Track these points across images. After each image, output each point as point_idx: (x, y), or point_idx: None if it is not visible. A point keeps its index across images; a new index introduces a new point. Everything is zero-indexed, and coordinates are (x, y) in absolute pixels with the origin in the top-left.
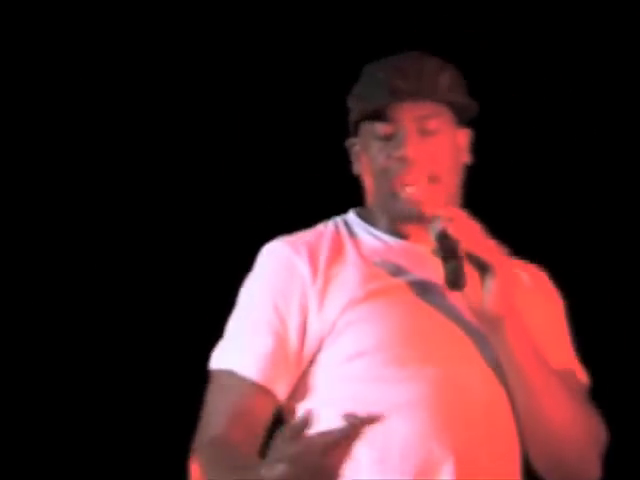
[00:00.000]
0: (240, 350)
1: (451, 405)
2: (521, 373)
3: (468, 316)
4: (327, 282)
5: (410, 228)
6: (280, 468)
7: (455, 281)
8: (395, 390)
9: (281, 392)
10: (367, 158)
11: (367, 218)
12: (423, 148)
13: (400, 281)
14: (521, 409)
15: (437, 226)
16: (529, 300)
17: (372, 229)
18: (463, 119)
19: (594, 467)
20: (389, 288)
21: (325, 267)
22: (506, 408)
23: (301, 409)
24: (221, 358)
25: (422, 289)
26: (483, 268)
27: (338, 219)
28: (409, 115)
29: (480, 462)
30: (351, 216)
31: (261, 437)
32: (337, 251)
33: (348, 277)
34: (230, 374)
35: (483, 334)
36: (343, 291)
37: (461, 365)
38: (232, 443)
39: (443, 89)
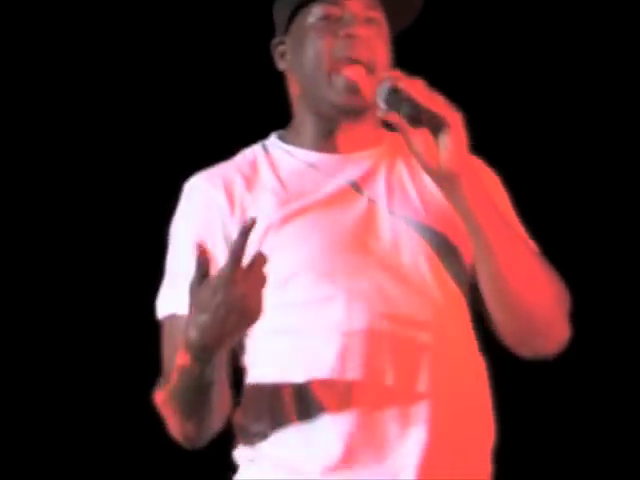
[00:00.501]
0: (175, 293)
1: (380, 318)
2: (481, 230)
3: (392, 221)
4: (244, 212)
5: (339, 136)
6: (202, 319)
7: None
8: (326, 311)
9: None
10: (300, 50)
11: (289, 139)
12: (368, 33)
13: (319, 198)
14: (484, 274)
15: (386, 84)
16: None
17: (294, 149)
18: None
19: (563, 327)
20: (307, 207)
21: (240, 196)
22: (439, 312)
23: (244, 341)
24: (162, 306)
25: (344, 201)
26: (436, 127)
27: (257, 145)
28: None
29: (417, 369)
30: (271, 139)
31: None
32: (252, 179)
33: (264, 204)
34: (172, 318)
35: (410, 234)
36: (260, 219)
37: (389, 275)
38: None
39: None
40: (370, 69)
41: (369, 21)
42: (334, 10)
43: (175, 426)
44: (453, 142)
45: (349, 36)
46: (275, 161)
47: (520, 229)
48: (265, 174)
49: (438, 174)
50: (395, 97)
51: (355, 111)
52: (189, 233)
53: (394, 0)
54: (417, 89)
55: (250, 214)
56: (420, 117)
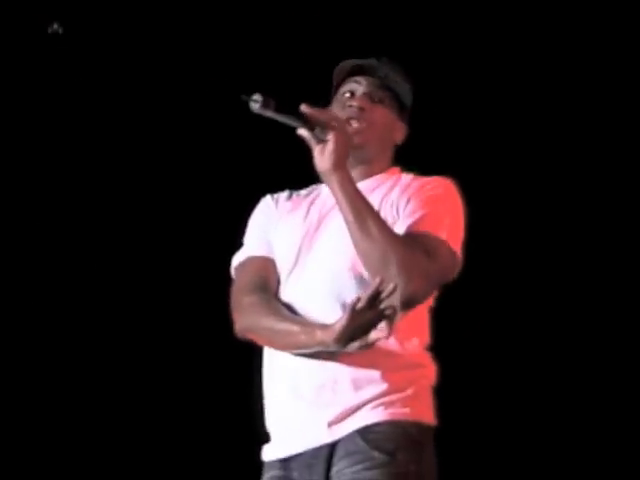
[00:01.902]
0: (244, 251)
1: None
2: (345, 213)
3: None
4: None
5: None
6: (337, 327)
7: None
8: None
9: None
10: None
11: None
12: (363, 104)
13: (303, 213)
14: (352, 239)
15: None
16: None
17: None
18: (403, 116)
19: (411, 284)
20: (292, 219)
21: (281, 207)
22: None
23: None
24: (235, 260)
25: (315, 217)
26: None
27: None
28: (364, 83)
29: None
30: None
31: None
32: (296, 199)
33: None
34: (237, 267)
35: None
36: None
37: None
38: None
39: (391, 77)
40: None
41: (372, 100)
42: (354, 87)
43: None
44: (333, 146)
45: (350, 106)
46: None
47: (420, 219)
48: (305, 200)
49: (321, 172)
50: (287, 109)
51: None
52: (254, 225)
53: (396, 86)
54: (315, 114)
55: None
56: (311, 124)
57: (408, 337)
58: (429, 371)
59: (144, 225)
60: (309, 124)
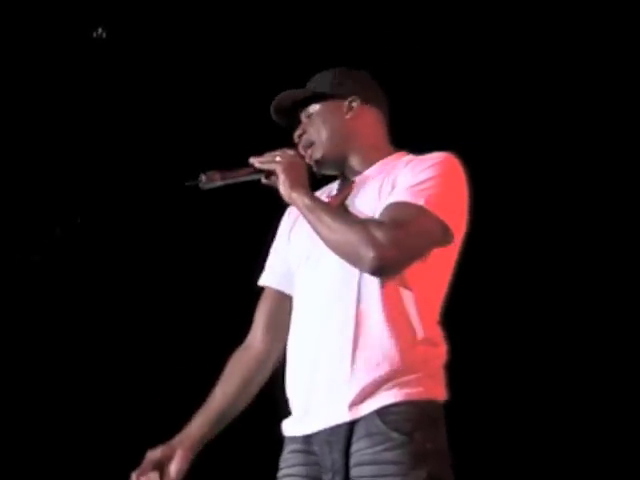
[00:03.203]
0: (265, 269)
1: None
2: (308, 221)
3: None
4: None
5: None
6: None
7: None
8: None
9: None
10: None
11: None
12: (306, 127)
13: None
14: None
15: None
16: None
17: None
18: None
19: (366, 254)
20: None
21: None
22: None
23: None
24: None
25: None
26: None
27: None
28: (300, 110)
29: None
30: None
31: (284, 324)
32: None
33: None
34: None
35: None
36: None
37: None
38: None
39: (310, 87)
40: (308, 146)
41: (307, 117)
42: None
43: None
44: (281, 178)
45: (298, 143)
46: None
47: (404, 191)
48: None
49: (286, 199)
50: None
51: (318, 173)
52: (273, 244)
53: (313, 87)
54: (260, 160)
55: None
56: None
57: (421, 313)
58: (441, 350)
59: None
60: (264, 171)
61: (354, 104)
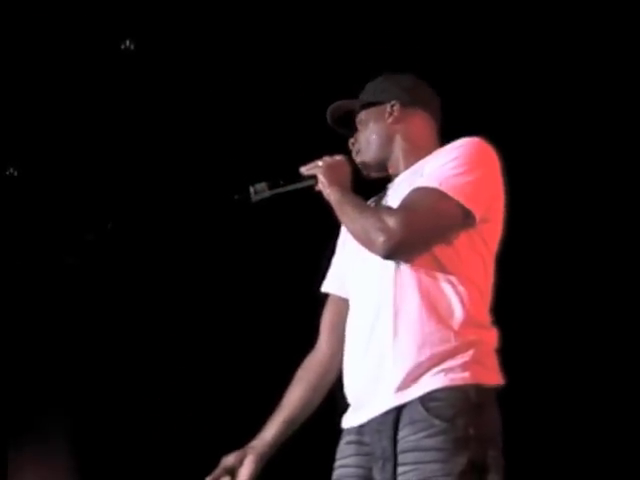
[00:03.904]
0: (328, 276)
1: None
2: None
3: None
4: None
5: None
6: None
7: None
8: None
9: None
10: None
11: None
12: (357, 135)
13: None
14: None
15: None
16: (424, 165)
17: None
18: (383, 101)
19: (377, 239)
20: None
21: None
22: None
23: None
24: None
25: None
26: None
27: None
28: (356, 117)
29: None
30: None
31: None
32: None
33: None
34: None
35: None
36: None
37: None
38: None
39: (361, 97)
40: (357, 152)
41: (359, 124)
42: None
43: None
44: (323, 182)
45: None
46: None
47: (432, 178)
48: None
49: (328, 200)
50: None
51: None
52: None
53: (365, 97)
54: (306, 168)
55: None
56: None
57: (463, 297)
58: (490, 334)
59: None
60: (313, 178)
61: (395, 108)
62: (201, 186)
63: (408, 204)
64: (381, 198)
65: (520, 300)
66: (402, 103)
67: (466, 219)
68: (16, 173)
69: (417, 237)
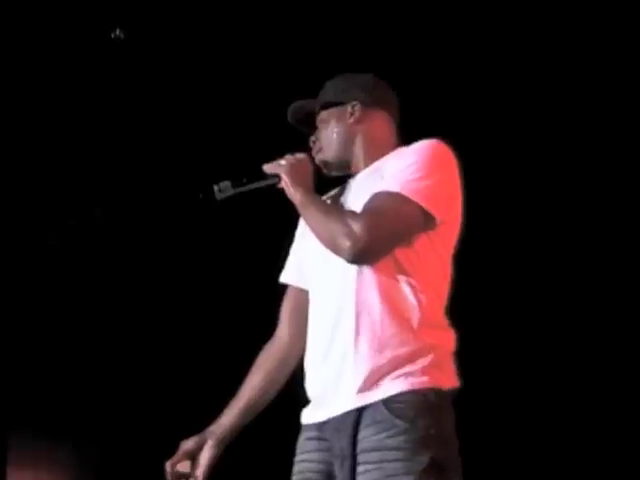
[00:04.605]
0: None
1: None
2: (301, 213)
3: None
4: None
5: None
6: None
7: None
8: None
9: (297, 281)
10: None
11: None
12: (318, 134)
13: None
14: None
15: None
16: (384, 165)
17: None
18: (343, 100)
19: (342, 244)
20: None
21: None
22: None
23: None
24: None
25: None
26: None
27: None
28: (316, 115)
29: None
30: None
31: (306, 317)
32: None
33: None
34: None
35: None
36: None
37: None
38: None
39: (320, 97)
40: (319, 150)
41: (315, 126)
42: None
43: None
44: (286, 181)
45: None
46: None
47: (392, 182)
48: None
49: (291, 199)
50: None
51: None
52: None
53: (322, 96)
54: (268, 166)
55: None
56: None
57: (422, 300)
58: (448, 336)
59: None
60: (277, 176)
61: (356, 108)
62: (179, 176)
63: (372, 209)
64: (340, 195)
65: (477, 301)
66: (363, 103)
67: (427, 222)
68: None
69: (382, 242)
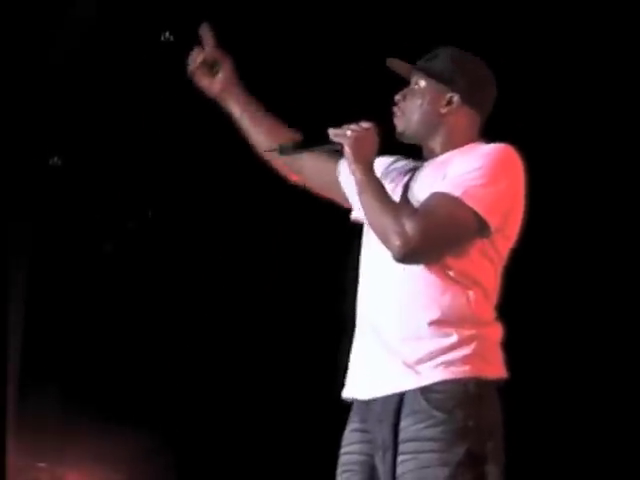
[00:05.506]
0: None
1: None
2: (358, 194)
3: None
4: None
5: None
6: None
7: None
8: None
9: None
10: None
11: None
12: (407, 95)
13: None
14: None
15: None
16: (451, 160)
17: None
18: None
19: (393, 242)
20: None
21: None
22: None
23: None
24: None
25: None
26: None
27: None
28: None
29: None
30: None
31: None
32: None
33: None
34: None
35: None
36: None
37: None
38: None
39: (428, 63)
40: (401, 112)
41: (407, 89)
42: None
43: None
44: (346, 153)
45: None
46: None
47: (446, 186)
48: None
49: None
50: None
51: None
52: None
53: (429, 66)
54: (334, 133)
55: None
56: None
57: (475, 295)
58: (493, 329)
59: None
60: (339, 144)
61: (454, 100)
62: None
63: (427, 210)
64: (408, 177)
65: (527, 296)
66: (463, 98)
67: (481, 229)
68: (60, 162)
69: (432, 245)
